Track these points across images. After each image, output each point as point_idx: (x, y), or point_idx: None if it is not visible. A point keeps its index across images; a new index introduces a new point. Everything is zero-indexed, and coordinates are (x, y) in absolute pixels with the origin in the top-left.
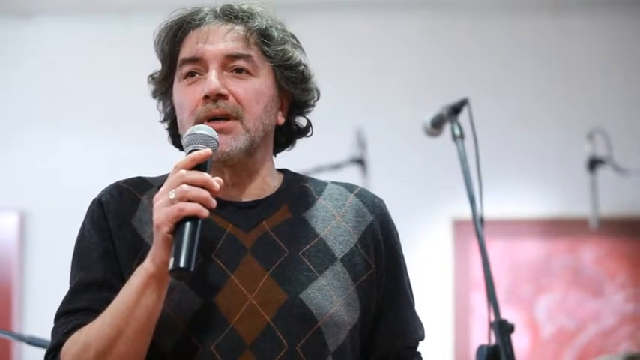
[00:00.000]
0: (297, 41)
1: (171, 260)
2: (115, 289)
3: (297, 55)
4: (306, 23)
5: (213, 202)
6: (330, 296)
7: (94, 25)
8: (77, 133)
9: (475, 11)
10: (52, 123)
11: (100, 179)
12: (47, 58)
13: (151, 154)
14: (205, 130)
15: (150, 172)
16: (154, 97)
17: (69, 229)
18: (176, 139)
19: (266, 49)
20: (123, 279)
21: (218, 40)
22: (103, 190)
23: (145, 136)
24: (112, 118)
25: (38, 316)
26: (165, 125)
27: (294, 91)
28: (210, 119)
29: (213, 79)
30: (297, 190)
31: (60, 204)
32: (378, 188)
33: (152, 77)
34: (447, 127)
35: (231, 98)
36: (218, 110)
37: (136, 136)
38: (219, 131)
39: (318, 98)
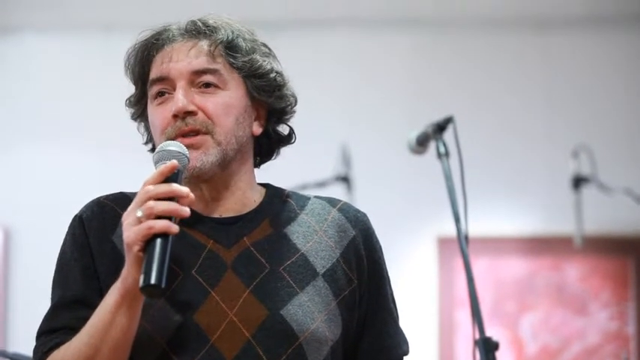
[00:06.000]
0: (269, 49)
1: (142, 277)
2: (94, 307)
3: (268, 64)
4: (293, 40)
5: (186, 210)
6: (311, 312)
7: (77, 41)
8: (61, 149)
9: (460, 28)
10: (36, 138)
11: (85, 195)
12: (29, 73)
13: (135, 170)
14: (174, 145)
15: (133, 188)
16: (133, 119)
17: (53, 246)
18: None
19: (232, 60)
20: (103, 296)
21: (183, 58)
22: (84, 206)
23: (128, 151)
24: (96, 134)
25: (22, 333)
26: (149, 147)
27: (268, 99)
28: (180, 136)
29: (179, 98)
30: (279, 205)
31: (44, 220)
32: (362, 206)
33: (129, 101)
34: (432, 145)
35: (200, 114)
36: (187, 128)
37: (120, 152)
38: (189, 147)
39: (295, 104)
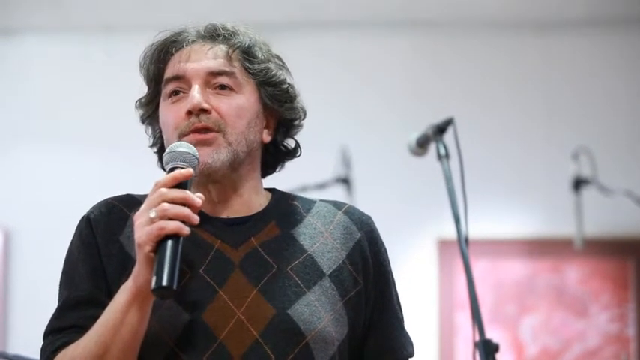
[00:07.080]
0: (282, 62)
1: (154, 279)
2: (102, 306)
3: (282, 74)
4: (292, 42)
5: (196, 218)
6: (318, 312)
7: (77, 42)
8: (61, 151)
9: (459, 30)
10: (36, 140)
11: (86, 196)
12: (30, 75)
13: (135, 171)
14: (185, 147)
15: (136, 190)
16: (143, 122)
17: (53, 247)
18: None
19: (249, 65)
20: (110, 296)
21: (200, 58)
22: (92, 207)
23: (129, 153)
24: (96, 136)
25: (22, 334)
26: (154, 149)
27: (279, 109)
28: (193, 132)
29: (195, 95)
30: (285, 207)
31: (44, 222)
32: (363, 207)
33: (139, 102)
34: (433, 147)
35: (213, 113)
36: (200, 124)
37: (120, 154)
38: (200, 143)
39: (304, 118)
